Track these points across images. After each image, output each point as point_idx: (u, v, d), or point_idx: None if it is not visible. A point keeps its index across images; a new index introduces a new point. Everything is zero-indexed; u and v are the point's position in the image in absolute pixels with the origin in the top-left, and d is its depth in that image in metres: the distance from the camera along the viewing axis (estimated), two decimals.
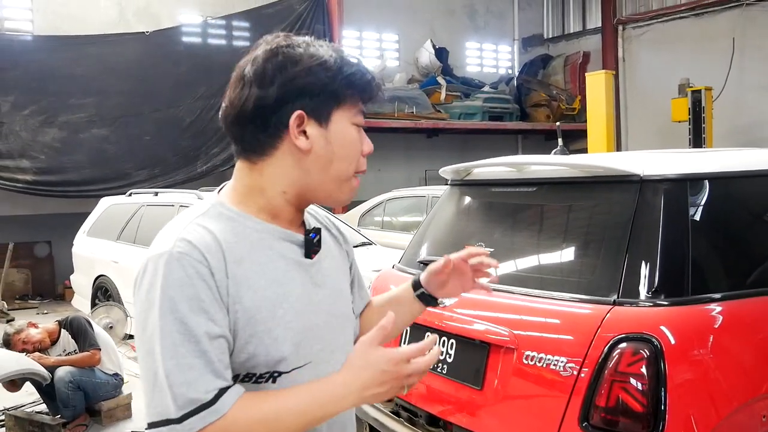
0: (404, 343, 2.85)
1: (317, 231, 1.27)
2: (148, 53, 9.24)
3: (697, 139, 10.12)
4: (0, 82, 8.65)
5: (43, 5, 9.80)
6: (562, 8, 15.35)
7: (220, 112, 1.23)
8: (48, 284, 9.79)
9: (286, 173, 1.19)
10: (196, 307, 1.06)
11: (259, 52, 1.19)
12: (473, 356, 2.49)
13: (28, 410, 4.67)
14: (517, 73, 14.99)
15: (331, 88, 1.17)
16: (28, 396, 4.96)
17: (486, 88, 13.45)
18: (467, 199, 3.11)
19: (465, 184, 3.12)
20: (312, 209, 1.40)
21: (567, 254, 2.49)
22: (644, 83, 13.07)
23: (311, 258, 1.24)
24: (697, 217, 2.34)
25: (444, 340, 2.64)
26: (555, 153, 2.94)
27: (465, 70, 14.60)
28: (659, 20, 12.78)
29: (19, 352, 4.27)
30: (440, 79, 12.96)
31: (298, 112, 1.16)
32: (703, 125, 10.14)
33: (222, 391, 1.05)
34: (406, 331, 2.85)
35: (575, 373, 2.13)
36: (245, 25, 10.85)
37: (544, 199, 2.72)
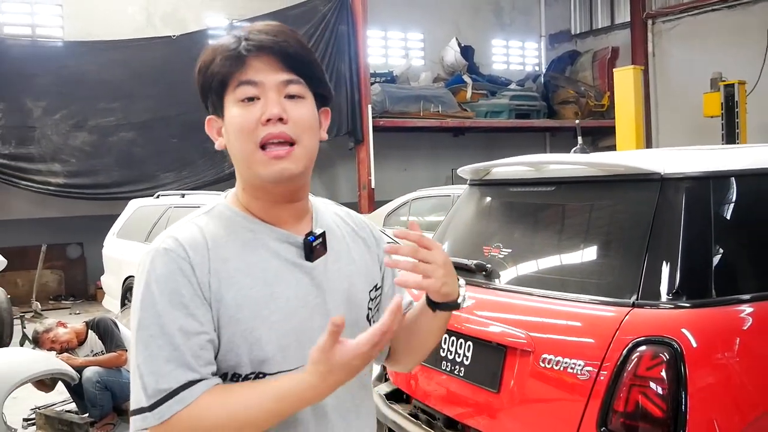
0: None
1: (318, 235, 1.22)
2: (174, 57, 9.33)
3: (731, 135, 9.90)
4: (32, 88, 8.83)
5: (74, 12, 9.98)
6: (589, 3, 15.15)
7: None
8: (80, 285, 9.97)
9: (236, 171, 1.22)
10: (176, 301, 1.08)
11: None
12: (490, 359, 2.46)
13: (58, 409, 4.75)
14: (544, 70, 14.83)
15: (205, 87, 1.18)
16: (59, 395, 5.06)
17: (512, 86, 13.34)
18: (486, 199, 3.07)
19: (484, 184, 3.09)
20: (342, 210, 1.38)
21: (586, 255, 2.44)
22: (675, 78, 12.83)
23: (311, 261, 1.21)
24: (721, 216, 2.27)
25: (461, 342, 2.61)
26: (574, 151, 2.89)
27: (491, 68, 14.49)
28: (690, 13, 12.55)
29: (47, 350, 4.36)
30: (466, 78, 12.88)
31: (208, 117, 1.22)
32: (736, 120, 9.92)
33: (192, 383, 1.06)
34: None
35: (593, 376, 2.08)
36: None
37: (563, 198, 2.67)
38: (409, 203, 8.83)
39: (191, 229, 1.15)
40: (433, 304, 1.26)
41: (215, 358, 1.11)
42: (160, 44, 9.70)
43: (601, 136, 13.38)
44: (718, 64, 10.91)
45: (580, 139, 3.08)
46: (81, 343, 4.63)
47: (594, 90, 13.68)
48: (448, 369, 2.64)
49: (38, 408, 4.73)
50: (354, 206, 10.76)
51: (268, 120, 1.12)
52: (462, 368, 2.59)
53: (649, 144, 12.33)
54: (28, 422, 4.68)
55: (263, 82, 1.13)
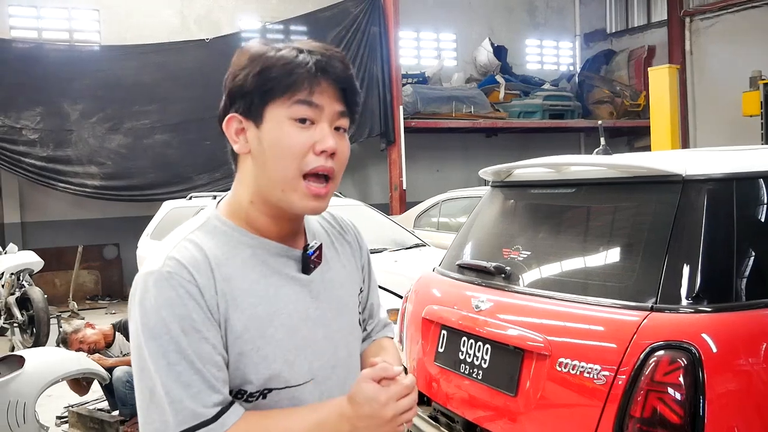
0: (441, 347, 2.82)
1: (315, 247, 1.22)
2: (208, 59, 9.46)
3: None
4: (70, 92, 9.04)
5: (110, 16, 10.21)
6: (625, 2, 14.90)
7: None
8: (116, 285, 10.18)
9: (247, 180, 1.17)
10: (188, 326, 1.05)
11: None
12: (508, 362, 2.44)
13: (90, 407, 4.85)
14: (578, 70, 14.64)
15: (250, 88, 1.11)
16: (92, 393, 5.17)
17: (546, 86, 13.20)
18: (507, 201, 3.05)
19: (506, 186, 3.06)
20: (328, 213, 1.35)
21: (605, 258, 2.40)
22: (714, 77, 12.55)
23: (308, 274, 1.20)
24: (745, 218, 2.21)
25: (479, 345, 2.60)
26: (597, 152, 2.84)
27: (525, 68, 14.37)
28: (729, 11, 12.25)
29: (75, 351, 4.45)
30: (499, 78, 12.80)
31: (230, 115, 1.14)
32: None
33: (223, 410, 1.06)
34: (443, 334, 2.82)
35: (610, 381, 2.05)
36: (302, 29, 10.99)
37: (583, 200, 2.64)
38: (439, 204, 8.80)
39: (189, 249, 1.11)
40: None
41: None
42: (193, 47, 9.85)
43: (636, 137, 13.17)
44: (757, 62, 10.64)
45: (602, 140, 3.03)
46: (109, 344, 4.72)
47: (630, 89, 13.46)
48: (466, 372, 2.63)
49: (71, 406, 4.84)
50: (385, 207, 10.84)
51: (323, 151, 1.10)
52: (480, 371, 2.57)
53: (686, 144, 12.09)
54: (62, 420, 4.79)
55: (323, 108, 1.11)
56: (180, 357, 1.04)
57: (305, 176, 1.11)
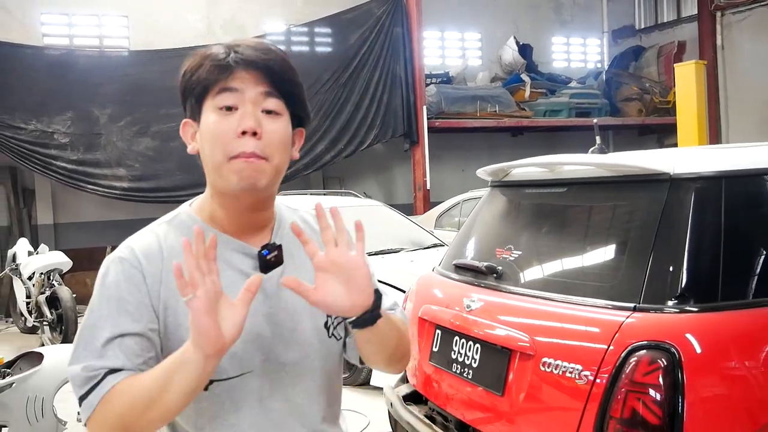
0: (435, 347, 2.84)
1: (272, 248, 1.24)
2: None
3: None
4: (99, 97, 9.26)
5: (138, 22, 10.43)
6: None
7: None
8: None
9: (207, 177, 1.23)
10: (122, 309, 1.14)
11: None
12: (495, 362, 2.44)
13: None
14: (606, 67, 14.44)
15: (187, 90, 1.19)
16: None
17: (572, 84, 13.06)
18: (504, 201, 3.05)
19: (503, 185, 3.07)
20: (310, 215, 1.35)
21: (592, 257, 2.40)
22: (745, 72, 12.26)
23: (265, 273, 1.22)
24: (734, 217, 2.18)
25: (470, 345, 2.61)
26: (592, 151, 2.83)
27: (551, 66, 14.23)
28: (761, 3, 11.96)
29: None
30: (524, 77, 12.70)
31: (184, 120, 1.23)
32: None
33: (112, 371, 1.11)
34: (437, 333, 2.84)
35: (591, 381, 2.05)
36: (327, 31, 11.07)
37: (573, 200, 2.63)
38: (460, 204, 8.79)
39: (149, 238, 1.20)
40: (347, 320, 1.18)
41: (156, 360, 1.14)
42: None
43: (666, 134, 12.94)
44: None
45: (598, 139, 3.00)
46: None
47: (659, 86, 13.25)
48: (458, 371, 2.64)
49: None
50: (409, 208, 10.85)
51: (244, 132, 1.13)
52: (471, 371, 2.58)
53: (717, 141, 11.84)
54: None
55: (243, 91, 1.15)
56: (95, 330, 1.13)
57: (232, 159, 1.15)
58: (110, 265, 1.18)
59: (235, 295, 1.11)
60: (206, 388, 1.16)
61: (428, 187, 11.03)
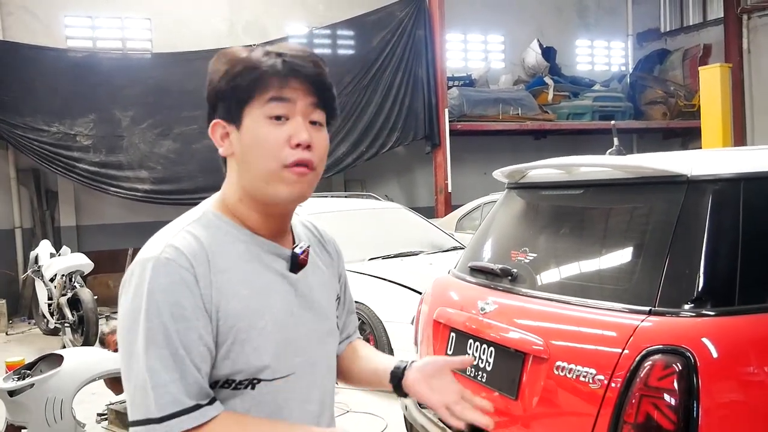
0: (450, 349, 2.81)
1: (304, 247, 1.27)
2: None
3: None
4: (121, 99, 9.34)
5: (161, 24, 10.51)
6: (680, 0, 14.47)
7: None
8: None
9: (234, 181, 1.21)
10: (178, 313, 1.09)
11: None
12: (509, 365, 2.42)
13: (119, 406, 5.00)
14: (631, 70, 14.28)
15: (226, 93, 1.17)
16: None
17: (596, 87, 12.93)
18: (520, 203, 3.02)
19: (519, 187, 3.04)
20: (309, 222, 1.42)
21: (608, 260, 2.36)
22: None
23: (296, 273, 1.25)
24: (752, 220, 2.13)
25: (484, 348, 2.59)
26: (610, 153, 2.79)
27: (575, 69, 14.11)
28: None
29: (113, 351, 4.59)
30: (547, 79, 12.61)
31: (214, 121, 1.20)
32: None
33: (206, 402, 1.10)
34: (452, 336, 2.81)
35: (605, 385, 2.02)
36: (349, 34, 11.08)
37: (590, 202, 2.60)
38: (481, 207, 8.75)
39: (187, 239, 1.15)
40: (398, 391, 1.37)
41: (211, 366, 1.14)
42: None
43: (691, 138, 12.75)
44: None
45: (616, 141, 2.96)
46: None
47: (684, 89, 13.06)
48: (472, 375, 2.62)
49: (111, 404, 5.00)
50: (431, 210, 10.81)
51: (298, 144, 1.15)
52: (485, 374, 2.56)
53: (742, 144, 11.64)
54: (102, 417, 4.95)
55: (295, 101, 1.16)
56: (166, 342, 1.07)
57: (286, 167, 1.16)
58: (156, 266, 1.10)
59: (273, 295, 1.20)
60: (253, 388, 1.18)
61: (450, 190, 10.99)
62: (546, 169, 2.85)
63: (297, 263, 1.25)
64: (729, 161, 2.29)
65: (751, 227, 2.11)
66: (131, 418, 1.09)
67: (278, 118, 1.15)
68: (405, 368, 1.37)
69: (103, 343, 4.76)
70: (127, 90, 9.31)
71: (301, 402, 1.25)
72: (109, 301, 8.92)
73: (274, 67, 1.15)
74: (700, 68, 9.12)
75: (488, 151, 12.62)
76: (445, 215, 10.16)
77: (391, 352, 5.21)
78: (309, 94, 1.17)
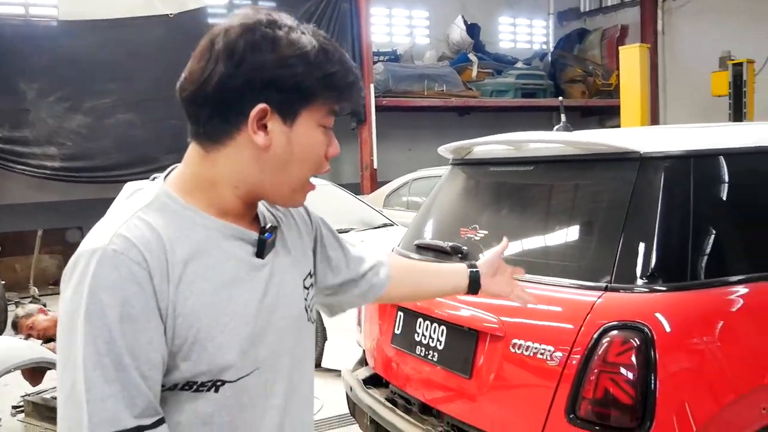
0: (397, 329, 2.75)
1: (273, 230, 1.15)
2: (172, 35, 9.17)
3: (738, 114, 9.69)
4: (26, 70, 8.70)
5: None
6: None
7: (177, 83, 1.08)
8: None
9: (240, 168, 1.07)
10: (126, 314, 0.95)
11: (236, 24, 1.04)
12: (462, 344, 2.38)
13: (47, 396, 4.72)
14: (551, 49, 14.58)
15: (304, 85, 1.04)
16: (50, 381, 5.03)
17: (519, 65, 13.14)
18: (466, 179, 2.97)
19: (465, 164, 2.99)
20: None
21: (561, 237, 2.35)
22: (685, 57, 12.57)
23: (263, 258, 1.13)
24: (701, 197, 2.16)
25: (435, 327, 2.54)
26: (557, 129, 2.77)
27: (498, 47, 14.27)
28: None
29: (25, 336, 4.30)
30: (471, 56, 12.70)
31: (262, 105, 1.03)
32: (744, 99, 9.70)
33: (146, 423, 0.96)
34: (399, 316, 2.75)
35: (563, 362, 2.01)
36: (271, 5, 10.75)
37: (541, 178, 2.57)
38: (409, 183, 8.75)
39: (140, 227, 1.00)
40: (475, 281, 1.59)
41: (167, 367, 1.01)
42: (157, 23, 9.54)
43: (608, 116, 13.18)
44: (728, 43, 10.65)
45: (563, 117, 2.97)
46: None
47: (602, 69, 13.45)
48: (422, 354, 2.57)
49: (27, 395, 4.70)
50: (356, 187, 10.72)
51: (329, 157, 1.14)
52: (436, 353, 2.51)
53: (656, 123, 12.12)
54: (17, 409, 4.65)
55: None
56: (108, 348, 0.94)
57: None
58: (101, 260, 0.95)
59: (238, 286, 1.07)
60: (217, 390, 1.05)
61: (375, 167, 10.93)
62: (492, 145, 2.81)
63: (264, 248, 1.13)
64: (680, 139, 2.31)
65: (701, 204, 2.14)
66: (60, 428, 0.96)
67: (325, 127, 1.11)
68: (478, 276, 1.59)
69: (16, 327, 4.44)
70: (32, 60, 8.70)
71: (265, 397, 1.13)
72: (16, 286, 8.41)
73: (354, 87, 1.11)
74: (620, 48, 9.40)
75: (412, 127, 12.64)
76: (371, 192, 10.11)
77: (324, 333, 5.13)
78: None
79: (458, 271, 1.61)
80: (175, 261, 1.00)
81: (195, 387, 1.04)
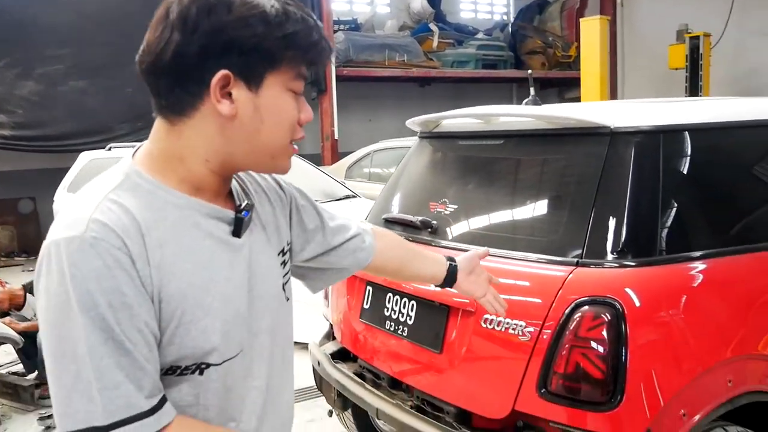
0: (366, 303, 2.74)
1: (249, 207, 1.13)
2: (129, 0, 8.88)
3: (694, 88, 9.87)
4: None
5: None
6: None
7: (137, 55, 1.03)
8: (33, 241, 9.68)
9: (207, 140, 1.03)
10: (117, 302, 0.93)
11: None
12: (433, 319, 2.38)
13: (3, 371, 4.61)
14: (512, 20, 14.58)
15: (266, 46, 1.00)
16: (6, 356, 4.91)
17: (480, 35, 13.12)
18: (435, 153, 2.95)
19: (433, 137, 2.96)
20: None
21: (532, 211, 2.35)
22: (643, 30, 12.70)
23: (240, 237, 1.11)
24: (671, 172, 2.19)
25: (405, 302, 2.53)
26: (526, 103, 2.77)
27: (459, 17, 14.22)
28: None
29: None
30: (432, 26, 12.62)
31: (223, 71, 0.99)
32: (700, 73, 9.88)
33: (159, 404, 0.97)
34: (368, 290, 2.74)
35: (534, 337, 2.02)
36: None
37: (511, 152, 2.57)
38: (371, 155, 8.70)
39: (114, 210, 0.96)
40: (451, 275, 1.61)
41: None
42: None
43: (567, 88, 13.30)
44: (685, 16, 10.79)
45: (532, 90, 2.96)
46: (19, 307, 4.45)
47: (562, 41, 13.51)
48: (391, 329, 2.57)
49: None
50: (317, 158, 10.63)
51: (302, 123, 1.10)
52: (405, 328, 2.51)
53: (614, 96, 12.28)
54: None
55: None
56: (108, 336, 0.92)
57: (290, 143, 1.11)
58: (81, 249, 0.92)
59: (217, 265, 1.06)
60: (201, 373, 1.04)
61: (336, 137, 10.84)
62: (461, 118, 2.79)
63: (241, 226, 1.10)
64: (649, 114, 2.32)
65: (670, 180, 2.16)
66: (66, 427, 0.92)
67: (295, 92, 1.07)
68: (456, 270, 1.60)
69: None
70: None
71: (245, 378, 1.13)
72: None
73: (320, 46, 1.06)
74: (581, 20, 9.44)
75: (373, 98, 12.56)
76: (333, 163, 10.05)
77: None
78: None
79: (439, 260, 1.61)
80: (153, 244, 0.98)
81: (179, 371, 1.03)
